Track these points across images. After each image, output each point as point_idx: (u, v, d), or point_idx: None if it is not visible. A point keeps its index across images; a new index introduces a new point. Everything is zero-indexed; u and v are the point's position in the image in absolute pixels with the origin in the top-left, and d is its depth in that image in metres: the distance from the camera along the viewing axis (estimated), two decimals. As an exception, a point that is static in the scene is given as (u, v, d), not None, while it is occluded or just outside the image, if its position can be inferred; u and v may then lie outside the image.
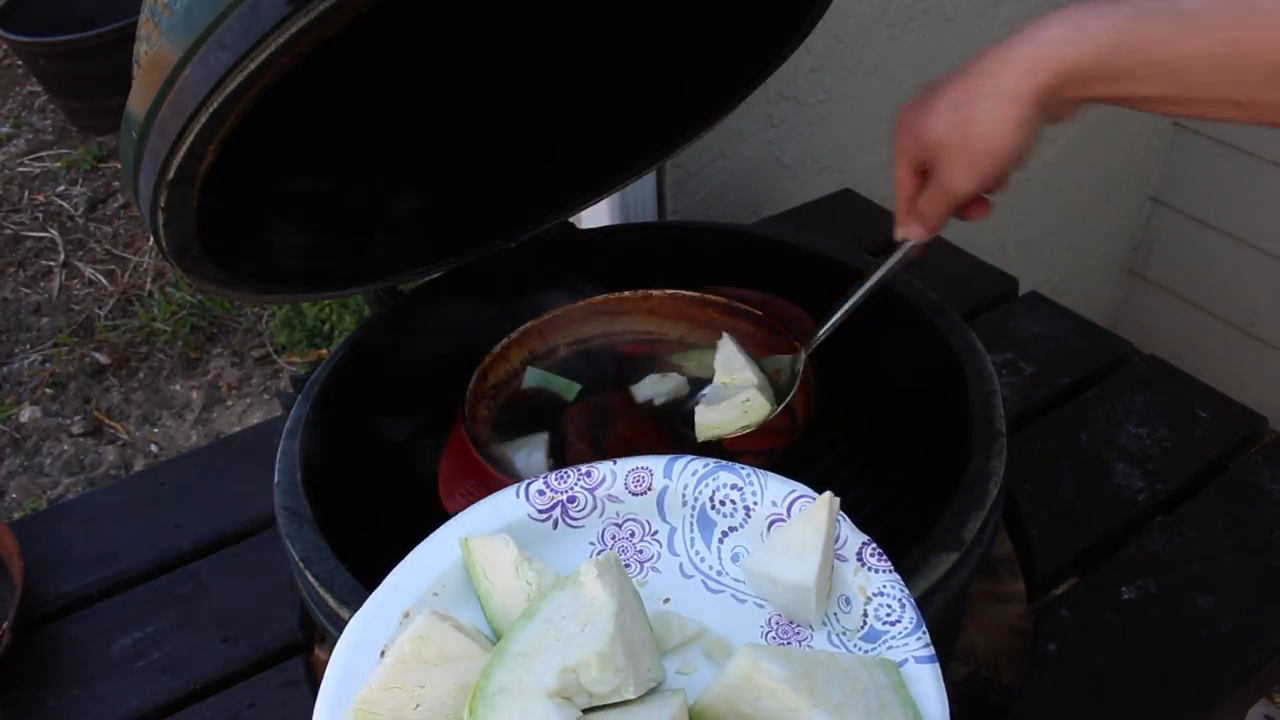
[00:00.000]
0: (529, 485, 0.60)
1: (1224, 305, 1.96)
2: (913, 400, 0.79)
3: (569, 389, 0.86)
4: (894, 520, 0.79)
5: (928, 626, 0.51)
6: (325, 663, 0.86)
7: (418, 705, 0.48)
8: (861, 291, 0.74)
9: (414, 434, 0.80)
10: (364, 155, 0.87)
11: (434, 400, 0.80)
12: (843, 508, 0.66)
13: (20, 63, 3.12)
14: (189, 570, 0.94)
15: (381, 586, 0.55)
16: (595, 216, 1.26)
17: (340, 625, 0.61)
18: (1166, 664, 0.80)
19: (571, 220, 0.95)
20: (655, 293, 0.89)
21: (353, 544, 0.66)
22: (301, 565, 0.64)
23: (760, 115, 1.37)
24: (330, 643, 0.60)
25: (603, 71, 0.92)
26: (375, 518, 0.78)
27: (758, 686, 0.46)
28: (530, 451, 0.79)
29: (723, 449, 0.78)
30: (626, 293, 0.89)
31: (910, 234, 0.69)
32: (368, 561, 0.64)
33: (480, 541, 0.56)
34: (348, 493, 0.73)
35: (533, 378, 0.86)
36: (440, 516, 0.69)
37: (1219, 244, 1.90)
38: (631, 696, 0.47)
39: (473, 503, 0.63)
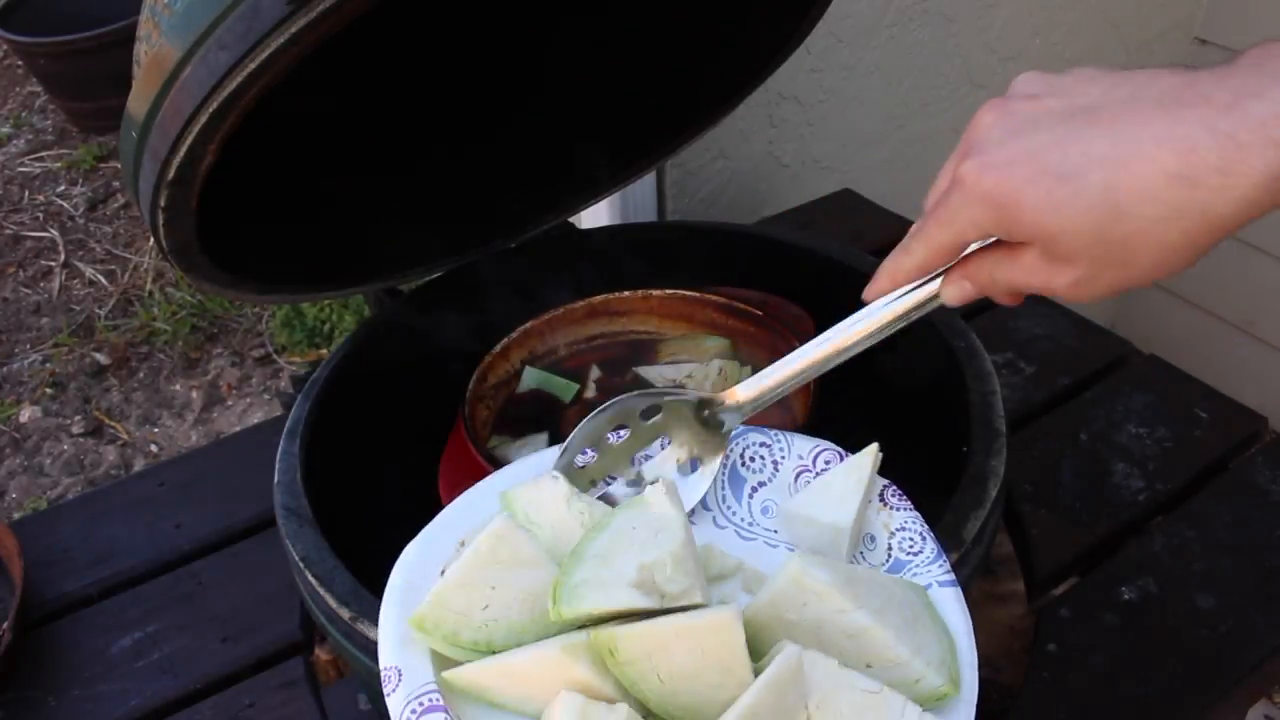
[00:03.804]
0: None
1: (1224, 305, 1.96)
2: (913, 400, 0.79)
3: (568, 389, 0.86)
4: (894, 520, 0.79)
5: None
6: (326, 662, 0.87)
7: (486, 606, 0.49)
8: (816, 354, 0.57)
9: (414, 434, 0.80)
10: (364, 155, 0.87)
11: (434, 400, 0.80)
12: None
13: (20, 63, 3.12)
14: (189, 570, 0.94)
15: (433, 522, 0.56)
16: (595, 216, 1.26)
17: (340, 625, 0.61)
18: (1166, 664, 0.80)
19: (571, 220, 0.95)
20: (655, 293, 0.89)
21: (353, 544, 0.66)
22: (301, 565, 0.64)
23: (760, 115, 1.37)
24: (331, 642, 0.60)
25: (603, 71, 0.92)
26: (375, 518, 0.78)
27: (805, 590, 0.48)
28: (530, 452, 0.79)
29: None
30: (626, 293, 0.89)
31: (954, 297, 0.50)
32: (368, 561, 0.64)
33: (522, 490, 0.57)
34: (348, 493, 0.73)
35: (532, 378, 0.86)
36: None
37: (1219, 244, 1.90)
38: (700, 601, 0.48)
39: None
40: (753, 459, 0.62)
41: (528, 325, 0.86)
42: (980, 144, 0.45)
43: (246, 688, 0.83)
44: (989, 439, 0.69)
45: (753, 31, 0.87)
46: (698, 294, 0.87)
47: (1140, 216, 0.40)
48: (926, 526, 0.55)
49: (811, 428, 0.75)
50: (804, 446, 0.61)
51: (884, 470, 0.58)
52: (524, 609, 0.49)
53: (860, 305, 0.56)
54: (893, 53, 1.46)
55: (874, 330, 0.54)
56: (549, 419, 0.83)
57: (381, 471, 0.80)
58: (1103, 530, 0.92)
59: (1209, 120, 0.38)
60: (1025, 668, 0.81)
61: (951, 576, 0.53)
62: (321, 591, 0.62)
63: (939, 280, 0.51)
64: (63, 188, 2.82)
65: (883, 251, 0.73)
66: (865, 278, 0.84)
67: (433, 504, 0.72)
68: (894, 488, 0.57)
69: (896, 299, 0.53)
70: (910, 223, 1.44)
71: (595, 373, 0.88)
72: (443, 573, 0.52)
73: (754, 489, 0.61)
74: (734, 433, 0.61)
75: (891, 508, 0.56)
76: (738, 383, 0.83)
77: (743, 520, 0.61)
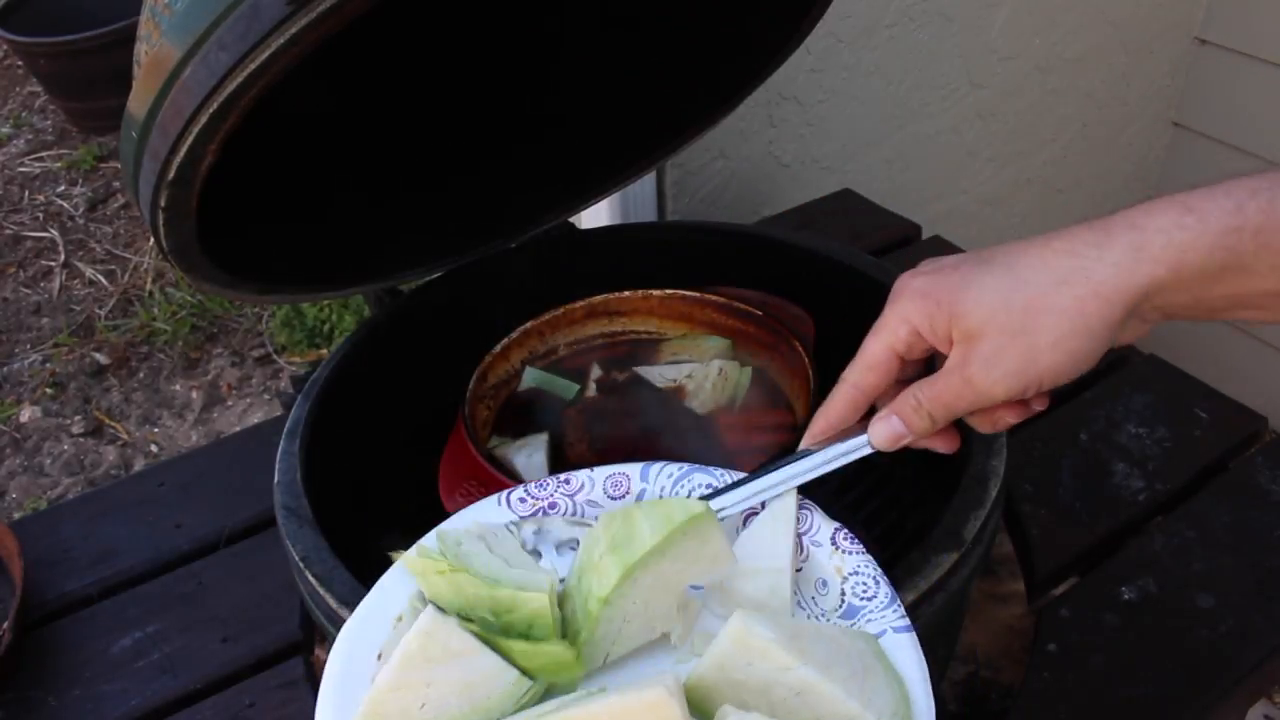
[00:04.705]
0: (510, 494, 0.61)
1: (1224, 305, 1.96)
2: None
3: (568, 389, 0.86)
4: (894, 520, 0.79)
5: (915, 619, 0.52)
6: (325, 662, 0.86)
7: (424, 705, 0.48)
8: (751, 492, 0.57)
9: (414, 434, 0.80)
10: (365, 155, 0.87)
11: (434, 400, 0.80)
12: (843, 507, 0.65)
13: (20, 63, 3.12)
14: (189, 570, 0.94)
15: (371, 593, 0.55)
16: (595, 216, 1.26)
17: (340, 625, 0.61)
18: (1166, 664, 0.80)
19: (571, 220, 0.95)
20: (655, 293, 0.89)
21: (353, 544, 0.66)
22: (301, 565, 0.64)
23: (760, 115, 1.37)
24: (330, 642, 0.60)
25: (603, 71, 0.92)
26: (375, 518, 0.78)
27: (750, 650, 0.47)
28: (530, 452, 0.79)
29: (724, 447, 0.78)
30: (626, 293, 0.89)
31: (880, 436, 0.54)
32: (368, 561, 0.64)
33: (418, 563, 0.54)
34: (348, 493, 0.73)
35: (532, 378, 0.86)
36: (440, 516, 0.69)
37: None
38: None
39: (472, 503, 0.63)
40: None
41: (528, 325, 0.86)
42: (913, 271, 0.53)
43: (247, 688, 0.83)
44: (989, 439, 0.68)
45: (753, 31, 0.87)
46: (698, 294, 0.87)
47: (1037, 283, 0.47)
48: (880, 570, 0.54)
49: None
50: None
51: (885, 469, 0.58)
52: (462, 700, 0.49)
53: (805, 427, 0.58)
54: (893, 53, 1.46)
55: (801, 474, 0.56)
56: (549, 419, 0.83)
57: (382, 472, 0.80)
58: (1103, 530, 0.92)
59: (1085, 228, 0.48)
60: (1025, 668, 0.81)
61: (906, 622, 0.51)
62: (321, 591, 0.62)
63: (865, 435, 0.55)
64: (63, 188, 2.82)
65: (883, 251, 0.73)
66: (865, 278, 0.84)
67: (433, 504, 0.72)
68: (845, 530, 0.55)
69: (826, 448, 0.56)
70: (910, 222, 1.44)
71: (595, 372, 0.88)
72: (380, 656, 0.51)
73: None
74: (679, 474, 0.60)
75: (844, 551, 0.55)
76: (737, 383, 0.84)
77: None
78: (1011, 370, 0.48)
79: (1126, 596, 0.85)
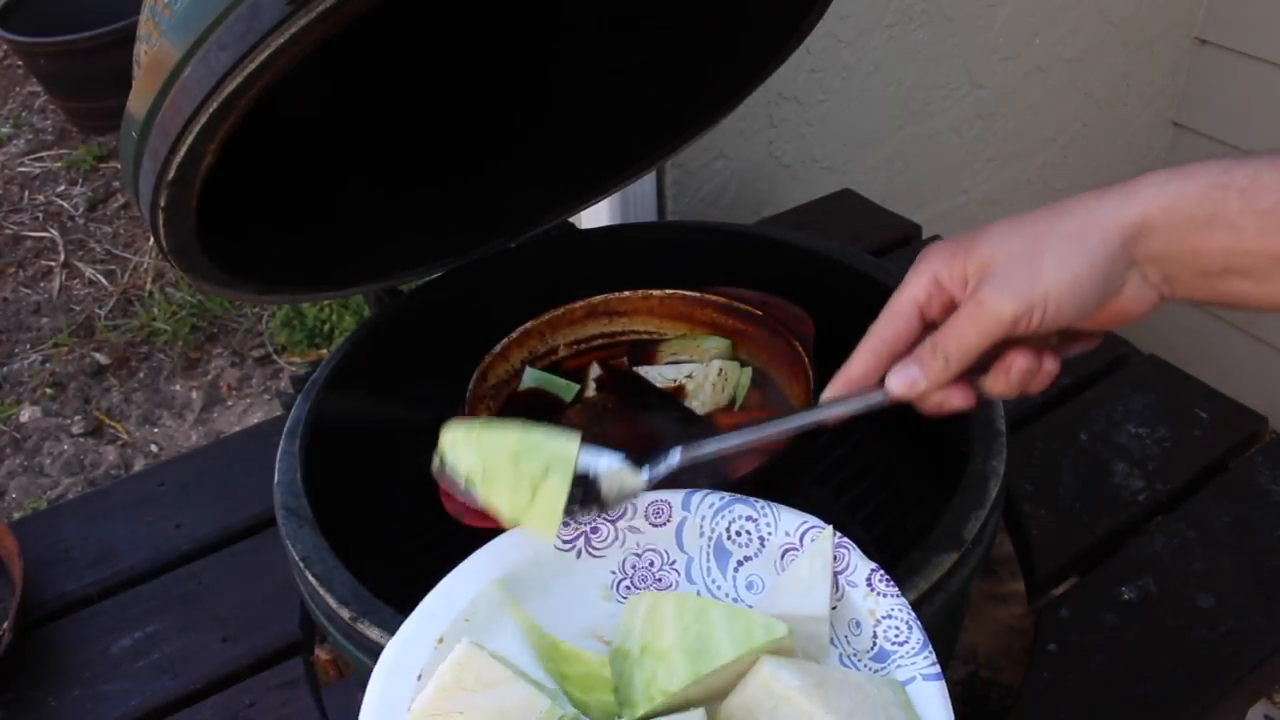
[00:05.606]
0: None
1: (1224, 305, 1.96)
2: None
3: (568, 389, 0.86)
4: (894, 520, 0.79)
5: (933, 645, 0.53)
6: (325, 662, 0.87)
7: None
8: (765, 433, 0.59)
9: (414, 434, 0.80)
10: (365, 155, 0.87)
11: (434, 400, 0.80)
12: (844, 507, 0.65)
13: (20, 63, 3.12)
14: (189, 570, 0.94)
15: (415, 613, 0.56)
16: (595, 216, 1.26)
17: (340, 625, 0.61)
18: (1166, 664, 0.80)
19: (571, 220, 0.95)
20: (655, 293, 0.89)
21: (353, 544, 0.66)
22: (301, 565, 0.64)
23: (760, 115, 1.37)
24: (331, 642, 0.60)
25: (603, 71, 0.92)
26: (375, 518, 0.78)
27: (775, 696, 0.48)
28: (530, 451, 0.79)
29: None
30: (626, 293, 0.89)
31: (897, 383, 0.54)
32: (368, 561, 0.64)
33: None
34: (348, 493, 0.73)
35: (532, 378, 0.86)
36: (440, 517, 0.69)
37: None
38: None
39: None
40: (739, 533, 0.60)
41: (528, 325, 0.86)
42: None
43: (246, 687, 0.83)
44: (989, 439, 0.69)
45: (753, 31, 0.87)
46: (698, 294, 0.87)
47: (1042, 218, 0.52)
48: (914, 614, 0.54)
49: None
50: (791, 523, 0.59)
51: (885, 469, 0.58)
52: None
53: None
54: (893, 53, 1.46)
55: (815, 424, 0.57)
56: (549, 419, 0.83)
57: (381, 472, 0.80)
58: (1103, 530, 0.92)
59: (1085, 192, 0.52)
60: (1025, 668, 0.81)
61: (937, 669, 0.52)
62: (321, 591, 0.62)
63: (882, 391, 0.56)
64: (63, 188, 2.82)
65: (883, 251, 0.73)
66: (865, 278, 0.84)
67: (432, 504, 0.72)
68: (881, 572, 0.56)
69: (842, 401, 0.57)
70: (910, 222, 1.44)
71: (595, 372, 0.88)
72: (419, 677, 0.52)
73: (740, 563, 0.60)
74: (720, 504, 0.60)
75: (879, 593, 0.55)
76: (737, 384, 0.84)
77: (727, 595, 0.60)
78: (1017, 288, 0.50)
79: (1126, 596, 0.85)
